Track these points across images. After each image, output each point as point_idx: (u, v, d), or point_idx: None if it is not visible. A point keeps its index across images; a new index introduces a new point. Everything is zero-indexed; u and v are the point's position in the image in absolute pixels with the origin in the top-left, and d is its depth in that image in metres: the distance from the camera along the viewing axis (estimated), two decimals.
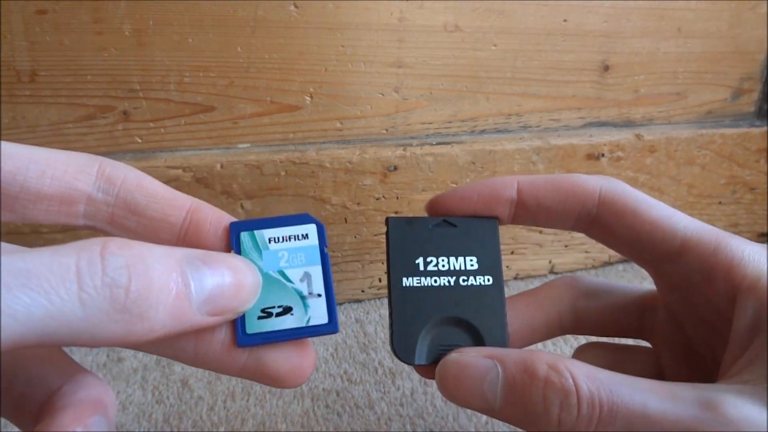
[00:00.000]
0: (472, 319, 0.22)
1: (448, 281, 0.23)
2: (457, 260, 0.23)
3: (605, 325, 0.26)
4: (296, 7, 0.36)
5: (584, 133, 0.45)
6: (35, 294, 0.13)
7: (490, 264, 0.23)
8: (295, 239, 0.20)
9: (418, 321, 0.22)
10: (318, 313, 0.19)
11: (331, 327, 0.19)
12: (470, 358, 0.20)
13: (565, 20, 0.41)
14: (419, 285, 0.23)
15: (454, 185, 0.42)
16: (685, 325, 0.24)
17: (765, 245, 0.21)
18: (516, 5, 0.40)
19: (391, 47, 0.38)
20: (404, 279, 0.23)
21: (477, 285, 0.23)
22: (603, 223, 0.23)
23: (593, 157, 0.45)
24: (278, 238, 0.20)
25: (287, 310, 0.19)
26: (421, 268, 0.23)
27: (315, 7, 0.36)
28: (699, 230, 0.22)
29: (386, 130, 0.41)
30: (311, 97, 0.38)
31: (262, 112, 0.38)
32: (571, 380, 0.18)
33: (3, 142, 0.18)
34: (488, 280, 0.23)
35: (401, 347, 0.22)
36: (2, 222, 0.19)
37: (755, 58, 0.48)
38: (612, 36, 0.43)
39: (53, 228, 0.36)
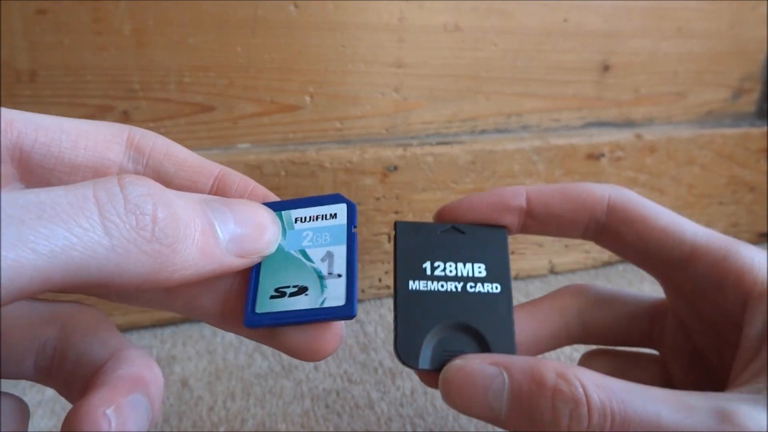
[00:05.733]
0: (478, 326, 0.22)
1: (455, 287, 0.22)
2: (465, 266, 0.23)
3: (613, 335, 0.26)
4: (296, 7, 0.36)
5: (584, 133, 0.45)
6: (54, 225, 0.12)
7: (499, 272, 0.23)
8: (322, 219, 0.19)
9: (424, 325, 0.22)
10: (335, 295, 0.17)
11: (346, 310, 0.17)
12: (475, 365, 0.20)
13: (565, 20, 0.41)
14: (425, 289, 0.22)
15: (454, 185, 0.42)
16: (693, 332, 0.24)
17: None
18: (516, 5, 0.40)
19: (391, 47, 0.38)
20: (410, 282, 0.22)
21: (485, 292, 0.23)
22: (612, 231, 0.23)
23: (593, 157, 0.45)
24: (305, 218, 0.19)
25: (302, 290, 0.18)
26: (428, 272, 0.23)
27: (315, 7, 0.36)
28: (708, 237, 0.22)
29: (386, 130, 0.41)
30: (311, 97, 0.38)
31: (262, 112, 0.38)
32: (581, 389, 0.17)
33: (31, 113, 0.18)
34: (496, 288, 0.23)
35: (405, 350, 0.21)
36: None
37: (755, 58, 0.48)
38: (612, 36, 0.43)
39: None
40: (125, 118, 0.36)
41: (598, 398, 0.17)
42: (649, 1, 0.43)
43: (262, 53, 0.36)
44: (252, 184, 0.20)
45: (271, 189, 0.38)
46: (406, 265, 0.23)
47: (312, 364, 0.37)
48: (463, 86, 0.41)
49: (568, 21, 0.41)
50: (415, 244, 0.23)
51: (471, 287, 0.23)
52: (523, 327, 0.25)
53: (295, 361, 0.37)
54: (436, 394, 0.34)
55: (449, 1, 0.38)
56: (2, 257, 0.11)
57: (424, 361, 0.21)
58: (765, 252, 0.21)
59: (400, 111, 0.40)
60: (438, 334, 0.22)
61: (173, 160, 0.19)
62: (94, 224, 0.13)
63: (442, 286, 0.22)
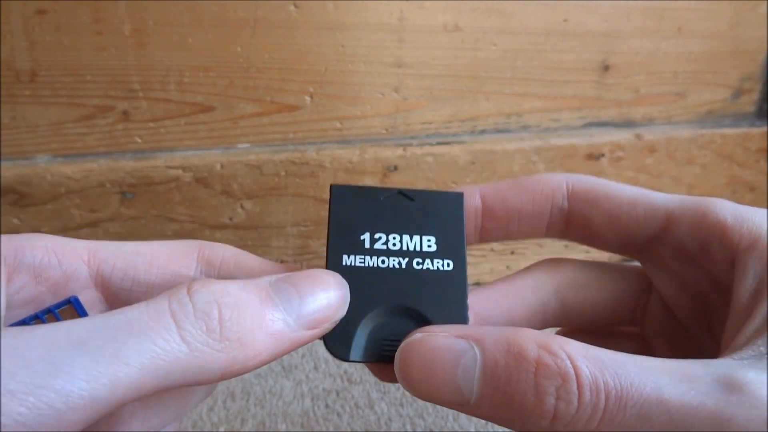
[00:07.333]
0: (424, 309, 0.19)
1: (399, 263, 0.19)
2: (411, 239, 0.20)
3: (596, 315, 0.23)
4: (296, 7, 0.36)
5: (584, 133, 0.45)
6: (141, 340, 0.14)
7: (452, 246, 0.20)
8: None
9: (359, 308, 0.18)
10: None
11: None
12: (440, 339, 0.17)
13: (565, 20, 0.41)
14: (363, 265, 0.19)
15: (454, 185, 0.42)
16: (678, 308, 0.22)
17: (757, 209, 0.20)
18: (516, 5, 0.40)
19: (391, 47, 0.38)
20: (345, 256, 0.19)
21: (434, 270, 0.19)
22: (578, 216, 0.21)
23: (593, 157, 0.45)
24: None
25: None
26: (367, 245, 0.19)
27: (315, 7, 0.36)
28: (681, 200, 0.20)
29: (386, 130, 0.41)
30: (311, 97, 0.38)
31: (262, 112, 0.38)
32: (568, 362, 0.15)
33: (114, 243, 0.20)
34: (448, 265, 0.19)
35: (334, 338, 0.18)
36: None
37: (755, 58, 0.48)
38: (612, 36, 0.43)
39: None
40: (125, 118, 0.36)
41: (590, 372, 0.15)
42: (649, 1, 0.43)
43: (262, 53, 0.36)
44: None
45: (271, 189, 0.39)
46: (340, 237, 0.19)
47: (312, 363, 0.37)
48: (463, 86, 0.41)
49: (568, 21, 0.41)
50: (353, 211, 0.20)
51: (418, 263, 0.19)
52: (492, 309, 0.21)
53: (295, 361, 0.37)
54: None
55: (449, 1, 0.38)
56: (103, 372, 0.13)
57: (357, 351, 0.18)
58: (742, 206, 0.19)
59: (400, 111, 0.40)
60: (377, 318, 0.18)
61: (242, 268, 0.20)
62: (173, 334, 0.15)
63: (383, 261, 0.19)
